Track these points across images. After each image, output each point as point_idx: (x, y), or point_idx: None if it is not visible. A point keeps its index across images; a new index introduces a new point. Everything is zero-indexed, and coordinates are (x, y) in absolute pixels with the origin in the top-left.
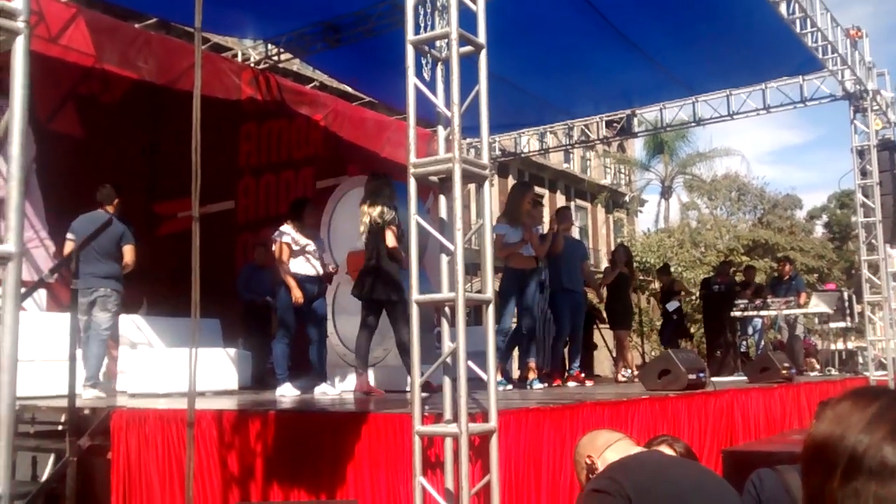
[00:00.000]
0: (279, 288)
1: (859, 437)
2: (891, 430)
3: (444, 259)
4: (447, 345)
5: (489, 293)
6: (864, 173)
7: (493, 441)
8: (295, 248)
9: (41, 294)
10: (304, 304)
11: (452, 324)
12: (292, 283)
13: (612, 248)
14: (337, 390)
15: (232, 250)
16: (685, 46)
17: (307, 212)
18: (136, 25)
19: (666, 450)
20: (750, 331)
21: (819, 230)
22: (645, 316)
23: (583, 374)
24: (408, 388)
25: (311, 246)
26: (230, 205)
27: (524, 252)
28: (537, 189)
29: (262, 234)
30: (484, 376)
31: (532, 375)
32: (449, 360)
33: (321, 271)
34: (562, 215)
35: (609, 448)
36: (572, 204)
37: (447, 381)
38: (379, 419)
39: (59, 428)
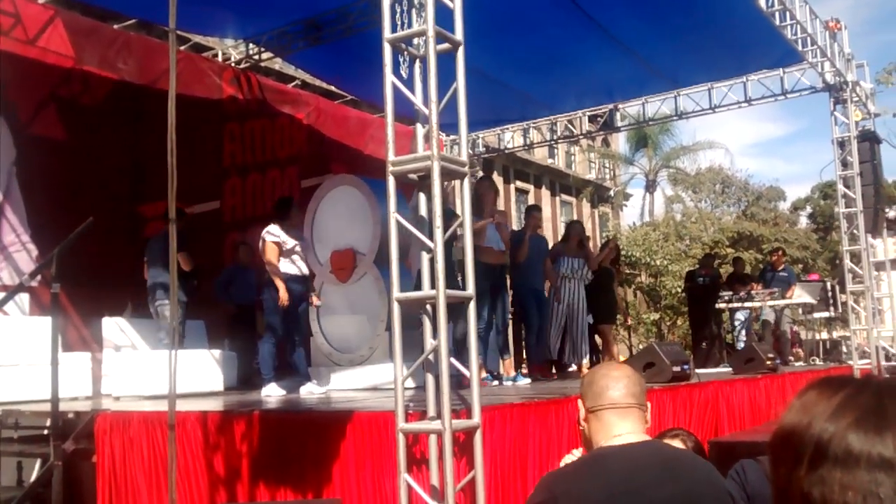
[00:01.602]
0: (266, 288)
1: (825, 425)
2: (856, 417)
3: (425, 257)
4: (429, 342)
5: (471, 290)
6: (845, 164)
7: (478, 437)
8: (284, 248)
9: (24, 298)
10: (291, 304)
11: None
12: (280, 284)
13: (598, 241)
14: (323, 390)
15: (219, 250)
16: (666, 39)
17: (293, 211)
18: (116, 26)
19: (676, 444)
20: (737, 323)
21: (803, 221)
22: (632, 309)
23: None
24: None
25: (298, 246)
26: (216, 205)
27: (494, 246)
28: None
29: (249, 233)
30: (467, 373)
31: (512, 372)
32: (431, 357)
33: (307, 271)
34: (527, 215)
35: (602, 411)
36: (557, 199)
37: (430, 379)
38: (363, 417)
39: (44, 432)
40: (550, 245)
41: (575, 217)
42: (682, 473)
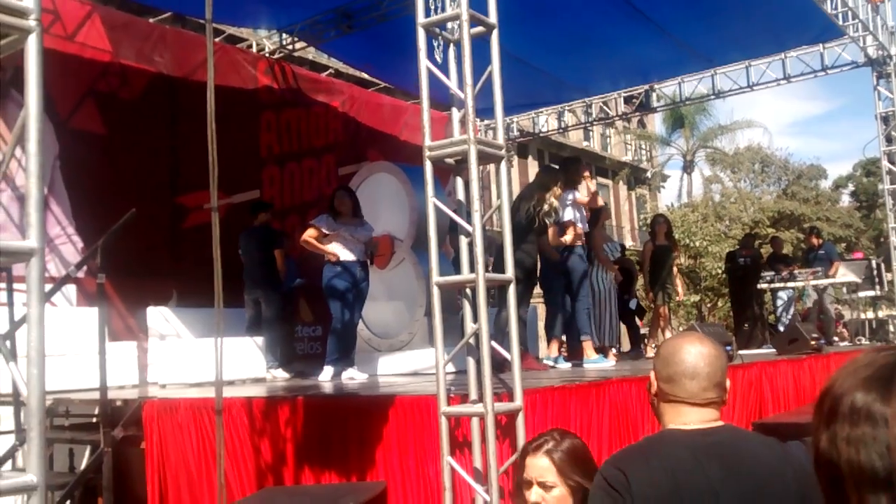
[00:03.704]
0: (329, 275)
1: (842, 383)
2: (868, 376)
3: (464, 240)
4: (469, 326)
5: (510, 273)
6: (889, 140)
7: (520, 419)
8: (327, 232)
9: (71, 289)
10: (352, 287)
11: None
12: (324, 247)
13: (636, 224)
14: (364, 375)
15: None
16: (702, 18)
17: (335, 200)
18: (151, 20)
19: (543, 460)
20: (779, 303)
21: (845, 199)
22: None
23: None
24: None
25: (346, 231)
26: (256, 194)
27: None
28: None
29: (288, 222)
30: (508, 356)
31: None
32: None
33: (357, 258)
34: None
35: (676, 403)
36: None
37: (471, 362)
38: (405, 401)
39: (93, 420)
40: None
41: (611, 200)
42: (751, 466)
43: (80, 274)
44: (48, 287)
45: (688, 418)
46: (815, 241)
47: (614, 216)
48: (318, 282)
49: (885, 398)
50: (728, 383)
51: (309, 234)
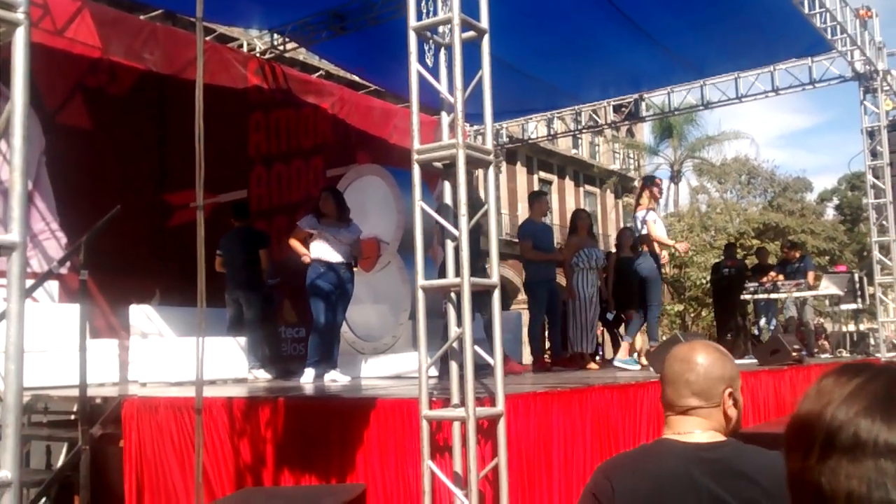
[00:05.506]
0: (307, 275)
1: (835, 413)
2: (867, 404)
3: (450, 245)
4: (453, 330)
5: (495, 278)
6: (875, 154)
7: (501, 424)
8: (311, 232)
9: (53, 285)
10: (335, 289)
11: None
12: (299, 247)
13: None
14: (346, 378)
15: None
16: (693, 29)
17: (319, 202)
18: (142, 17)
19: None
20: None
21: (830, 212)
22: None
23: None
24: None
25: (328, 232)
26: (243, 194)
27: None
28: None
29: (275, 222)
30: (491, 361)
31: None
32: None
33: (340, 259)
34: (537, 201)
35: (665, 410)
36: (581, 190)
37: (454, 366)
38: (387, 405)
39: (72, 417)
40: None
41: (599, 208)
42: (747, 483)
43: (63, 270)
44: (30, 282)
45: (679, 427)
46: (792, 254)
47: (601, 225)
48: (302, 283)
49: (893, 429)
50: (727, 391)
51: (293, 236)
